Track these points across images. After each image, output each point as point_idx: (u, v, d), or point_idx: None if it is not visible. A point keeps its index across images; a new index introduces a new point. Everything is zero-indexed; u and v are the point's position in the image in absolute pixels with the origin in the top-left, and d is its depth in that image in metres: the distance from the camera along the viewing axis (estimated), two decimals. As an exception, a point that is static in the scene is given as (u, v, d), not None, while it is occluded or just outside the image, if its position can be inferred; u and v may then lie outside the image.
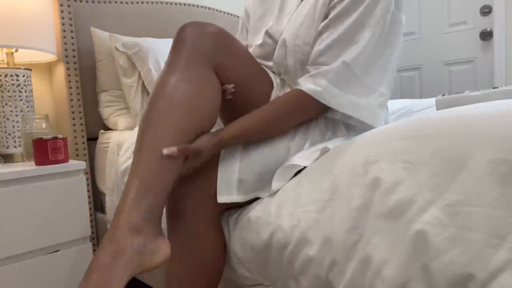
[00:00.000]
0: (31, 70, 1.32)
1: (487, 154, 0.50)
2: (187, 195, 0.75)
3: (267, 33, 0.95)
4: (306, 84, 0.79)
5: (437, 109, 0.93)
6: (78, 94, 1.42)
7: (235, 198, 0.74)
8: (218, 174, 0.74)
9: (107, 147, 1.38)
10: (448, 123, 0.59)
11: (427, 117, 0.65)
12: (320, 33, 0.82)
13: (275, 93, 0.89)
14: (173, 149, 0.64)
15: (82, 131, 1.44)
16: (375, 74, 0.82)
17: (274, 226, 0.69)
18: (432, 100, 1.31)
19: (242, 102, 0.83)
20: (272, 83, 0.89)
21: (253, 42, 1.00)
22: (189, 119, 0.69)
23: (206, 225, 0.75)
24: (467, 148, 0.52)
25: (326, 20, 0.81)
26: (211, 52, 0.75)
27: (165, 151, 0.64)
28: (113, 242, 0.56)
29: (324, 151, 0.75)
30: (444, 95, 0.92)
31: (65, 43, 1.40)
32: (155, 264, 0.61)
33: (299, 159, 0.76)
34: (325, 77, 0.77)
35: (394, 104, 1.39)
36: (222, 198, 0.73)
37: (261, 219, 0.72)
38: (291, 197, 0.71)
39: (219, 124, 0.90)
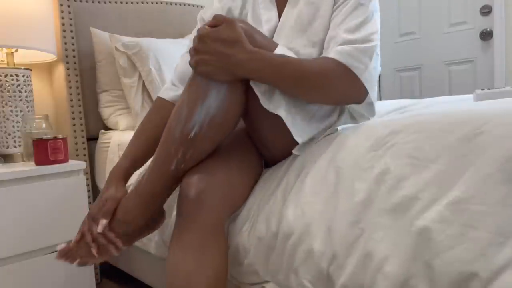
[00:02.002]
0: (31, 70, 1.32)
1: (494, 151, 0.49)
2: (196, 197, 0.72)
3: None
4: (346, 58, 0.70)
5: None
6: (78, 94, 1.42)
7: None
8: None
9: (107, 147, 1.38)
10: (456, 119, 0.58)
11: (434, 112, 0.65)
12: (342, 21, 0.76)
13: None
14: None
15: (82, 131, 1.43)
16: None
17: (280, 216, 0.69)
18: (432, 100, 1.31)
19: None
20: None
21: None
22: None
23: (211, 226, 0.72)
24: (474, 145, 0.51)
25: (342, 12, 0.76)
26: None
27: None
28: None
29: (330, 131, 0.75)
30: (483, 89, 0.90)
31: (65, 43, 1.39)
32: None
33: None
34: (368, 56, 0.72)
35: (393, 104, 1.38)
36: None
37: (271, 210, 0.72)
38: (296, 186, 0.71)
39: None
